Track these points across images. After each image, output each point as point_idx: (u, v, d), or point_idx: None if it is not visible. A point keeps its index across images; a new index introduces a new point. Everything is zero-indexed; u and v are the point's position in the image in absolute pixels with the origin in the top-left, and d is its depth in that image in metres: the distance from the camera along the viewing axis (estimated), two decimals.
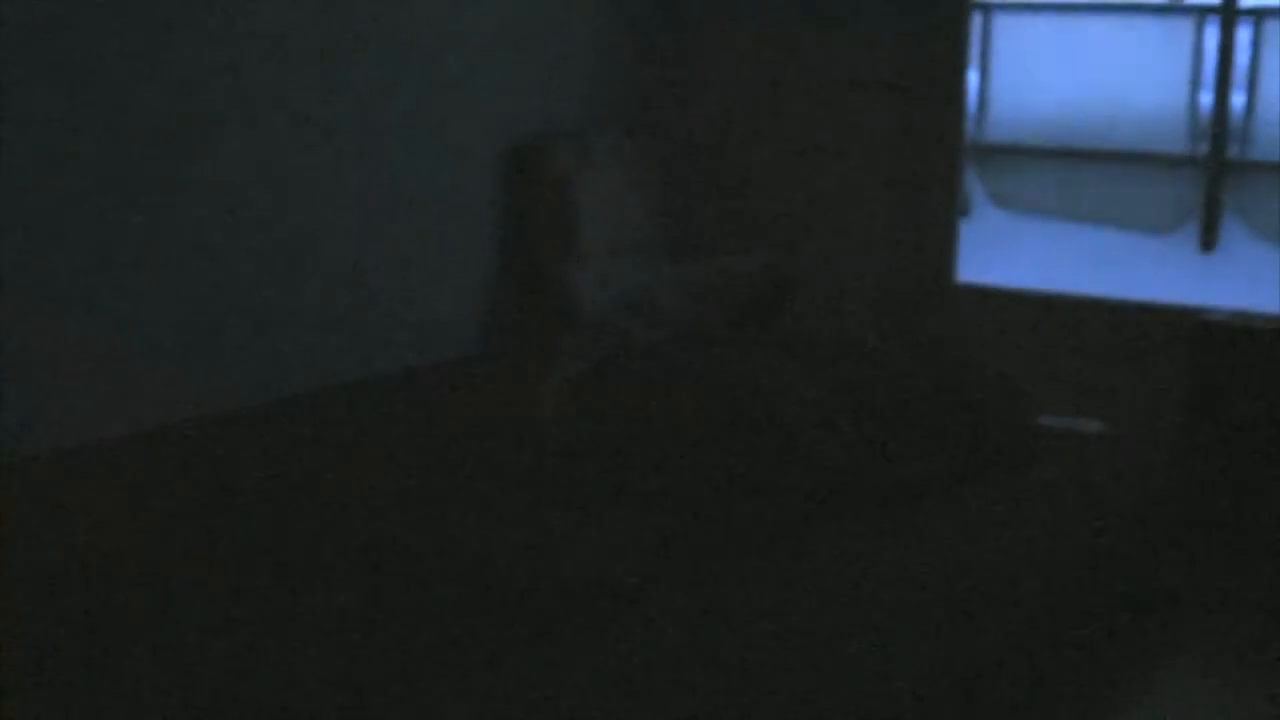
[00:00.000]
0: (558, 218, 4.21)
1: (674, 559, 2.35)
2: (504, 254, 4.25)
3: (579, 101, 4.47)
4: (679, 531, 2.46)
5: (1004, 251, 4.83)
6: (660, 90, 4.81)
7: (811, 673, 2.05)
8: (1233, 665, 3.19)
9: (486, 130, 4.14)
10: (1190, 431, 3.75)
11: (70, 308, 3.05)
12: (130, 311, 3.16)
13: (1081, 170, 4.72)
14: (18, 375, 2.92)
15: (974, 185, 4.80)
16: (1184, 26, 4.41)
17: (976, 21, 4.66)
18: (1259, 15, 4.25)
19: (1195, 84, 4.37)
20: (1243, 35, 4.26)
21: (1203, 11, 4.34)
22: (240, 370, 3.43)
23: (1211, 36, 4.30)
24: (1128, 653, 3.20)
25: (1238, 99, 4.30)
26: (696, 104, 4.87)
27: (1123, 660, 3.17)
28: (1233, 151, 4.34)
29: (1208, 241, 4.44)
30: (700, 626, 2.15)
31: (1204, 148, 4.38)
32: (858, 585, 2.28)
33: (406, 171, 3.85)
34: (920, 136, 4.73)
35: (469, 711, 1.80)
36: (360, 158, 3.71)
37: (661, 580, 2.29)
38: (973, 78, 4.69)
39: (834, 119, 4.68)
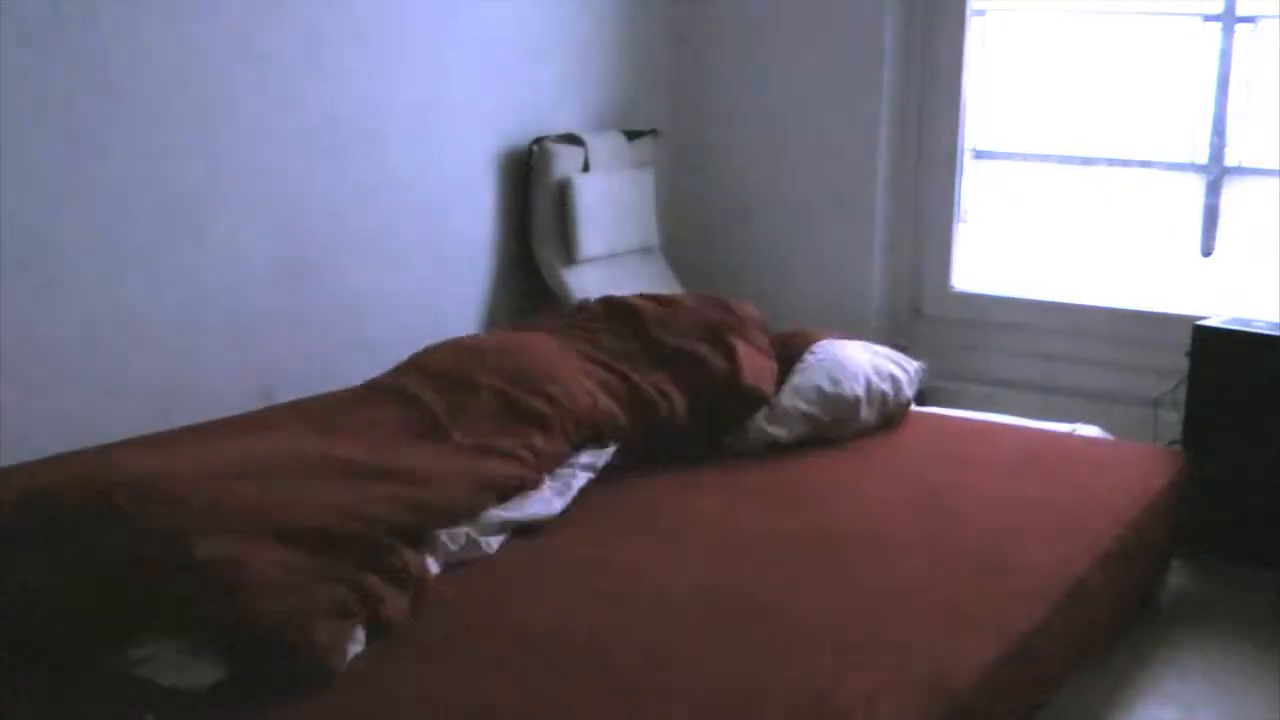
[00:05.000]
0: (558, 220, 4.24)
1: None
2: (504, 256, 4.27)
3: (580, 104, 4.50)
4: None
5: (1001, 258, 4.86)
6: (662, 94, 4.84)
7: None
8: (1233, 668, 3.22)
9: (487, 132, 4.16)
10: (1188, 435, 3.79)
11: (63, 309, 3.07)
12: (131, 313, 3.18)
13: (1080, 176, 4.75)
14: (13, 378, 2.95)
15: (971, 191, 4.83)
16: (1184, 31, 4.44)
17: (977, 25, 4.70)
18: (1258, 20, 4.28)
19: (1196, 89, 4.41)
20: (1242, 40, 4.29)
21: (1204, 16, 4.38)
22: (239, 374, 3.44)
23: (1211, 41, 4.33)
24: (1128, 654, 3.23)
25: (1237, 103, 4.34)
26: (697, 108, 4.90)
27: (1123, 661, 3.20)
28: (1232, 157, 4.38)
29: (1207, 247, 4.48)
30: None
31: (1204, 153, 4.41)
32: None
33: (406, 173, 3.88)
34: (919, 141, 4.77)
35: None
36: (359, 159, 3.74)
37: None
38: (971, 82, 4.72)
39: (833, 124, 4.71)
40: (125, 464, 2.53)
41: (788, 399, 3.47)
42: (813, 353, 3.64)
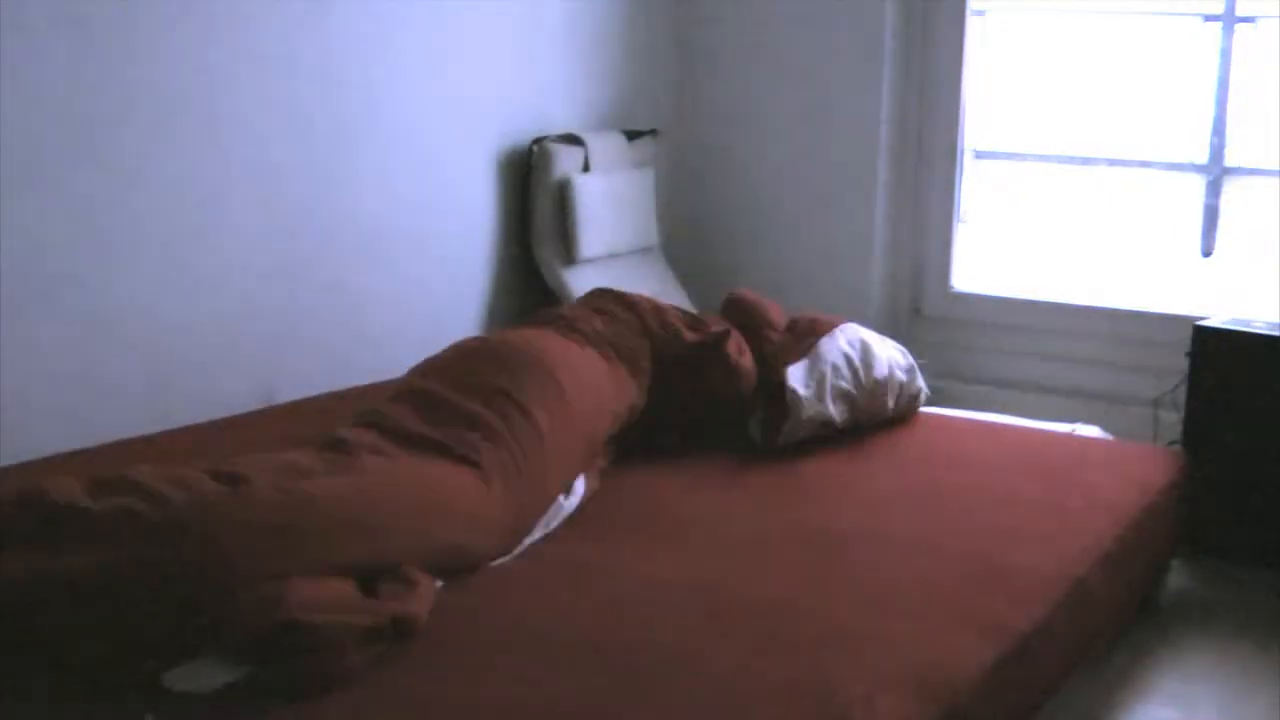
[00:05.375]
0: (558, 220, 4.25)
1: None
2: (504, 256, 4.28)
3: (580, 104, 4.50)
4: None
5: (1001, 258, 4.87)
6: (662, 94, 4.84)
7: None
8: (1233, 668, 3.23)
9: (487, 132, 4.17)
10: (1188, 436, 3.79)
11: (62, 311, 3.07)
12: (130, 313, 3.18)
13: (1080, 176, 4.75)
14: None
15: (971, 191, 4.84)
16: (1184, 31, 4.45)
17: (977, 24, 4.70)
18: (1258, 20, 4.29)
19: (1196, 89, 4.41)
20: (1242, 40, 4.29)
21: (1204, 17, 4.38)
22: (239, 374, 3.44)
23: (1211, 41, 4.34)
24: (1128, 654, 3.24)
25: (1237, 103, 4.34)
26: (697, 108, 4.90)
27: (1123, 661, 3.20)
28: (1232, 157, 4.38)
29: (1207, 247, 4.48)
30: None
31: (1204, 153, 4.41)
32: None
33: (406, 173, 3.88)
34: (919, 141, 4.77)
35: None
36: (359, 159, 3.74)
37: None
38: (971, 82, 4.73)
39: (833, 122, 4.71)
40: (141, 467, 2.46)
41: (825, 378, 3.42)
42: (840, 333, 3.59)
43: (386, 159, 3.83)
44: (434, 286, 4.03)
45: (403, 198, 3.90)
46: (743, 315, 3.61)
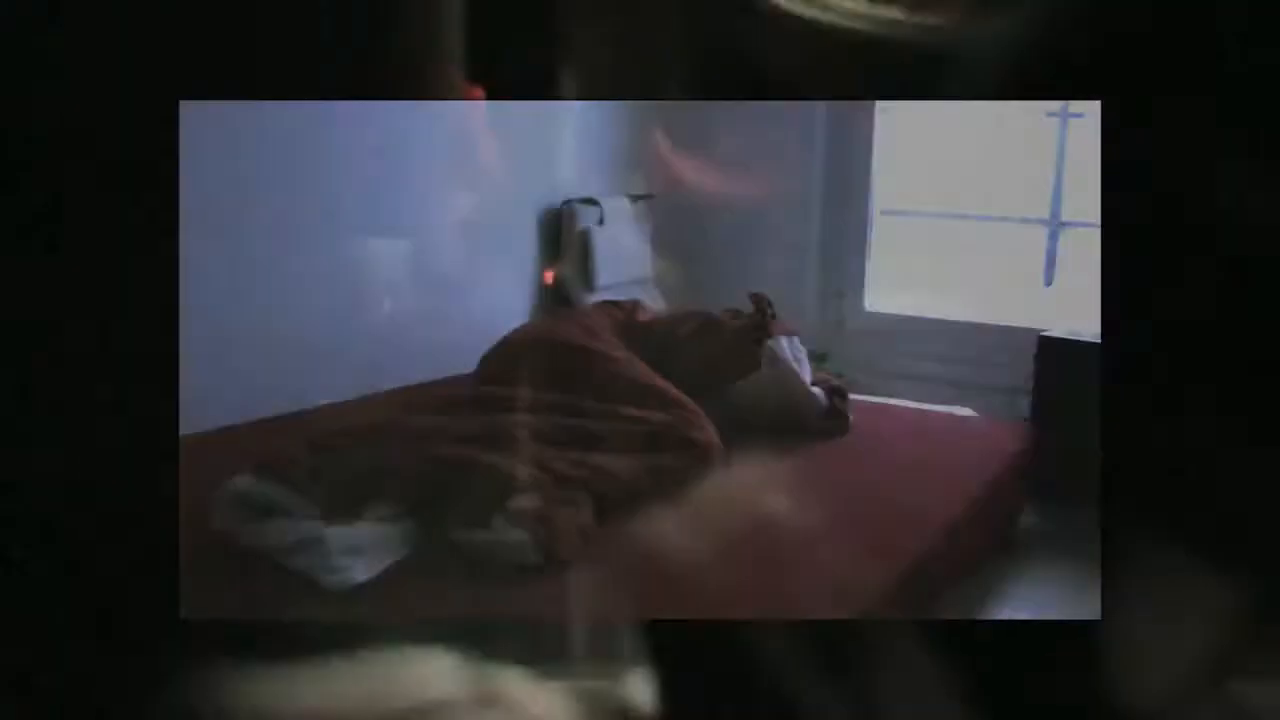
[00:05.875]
0: (581, 259, 4.43)
1: None
2: (542, 288, 4.46)
3: (598, 174, 4.67)
4: None
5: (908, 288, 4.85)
6: (656, 166, 4.94)
7: None
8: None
9: (534, 196, 4.34)
10: (1034, 414, 3.84)
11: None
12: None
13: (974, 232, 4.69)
14: None
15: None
16: None
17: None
18: None
19: None
20: None
21: None
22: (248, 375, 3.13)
23: None
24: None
25: None
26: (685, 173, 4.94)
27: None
28: None
29: (1049, 276, 4.48)
30: None
31: None
32: None
33: (468, 226, 3.99)
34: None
35: None
36: (431, 217, 3.85)
37: None
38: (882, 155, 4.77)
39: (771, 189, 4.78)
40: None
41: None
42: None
43: (453, 212, 3.85)
44: (491, 308, 4.06)
45: (465, 243, 3.93)
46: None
